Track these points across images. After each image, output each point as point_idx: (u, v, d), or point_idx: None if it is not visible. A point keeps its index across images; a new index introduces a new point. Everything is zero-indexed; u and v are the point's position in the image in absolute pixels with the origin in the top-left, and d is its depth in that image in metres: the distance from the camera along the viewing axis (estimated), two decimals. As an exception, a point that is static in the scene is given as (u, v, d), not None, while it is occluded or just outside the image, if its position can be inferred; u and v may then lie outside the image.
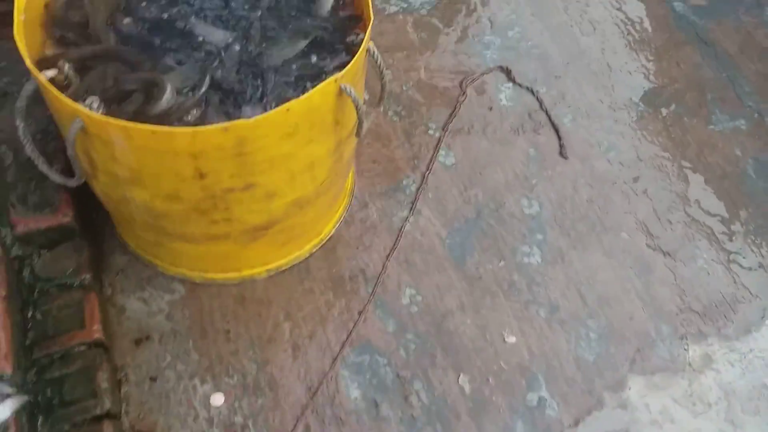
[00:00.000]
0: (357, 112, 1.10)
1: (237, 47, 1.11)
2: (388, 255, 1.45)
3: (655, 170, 1.67)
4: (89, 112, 0.95)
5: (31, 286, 1.25)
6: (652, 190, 1.63)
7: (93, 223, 1.40)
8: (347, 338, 1.33)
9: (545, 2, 2.03)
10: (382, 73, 1.14)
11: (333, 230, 1.48)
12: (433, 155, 1.64)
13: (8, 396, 1.07)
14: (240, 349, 1.31)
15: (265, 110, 1.01)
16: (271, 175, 1.10)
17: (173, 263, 1.37)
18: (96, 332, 1.22)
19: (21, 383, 1.12)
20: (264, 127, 0.99)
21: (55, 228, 1.26)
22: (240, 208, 1.15)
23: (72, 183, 1.13)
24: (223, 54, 1.10)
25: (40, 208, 1.26)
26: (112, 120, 0.93)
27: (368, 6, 1.11)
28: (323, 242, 1.45)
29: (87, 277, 1.28)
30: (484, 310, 1.40)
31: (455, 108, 1.74)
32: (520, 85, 1.81)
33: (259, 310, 1.36)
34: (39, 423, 1.13)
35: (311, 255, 1.44)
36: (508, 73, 1.84)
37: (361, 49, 1.06)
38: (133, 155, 1.00)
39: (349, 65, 1.03)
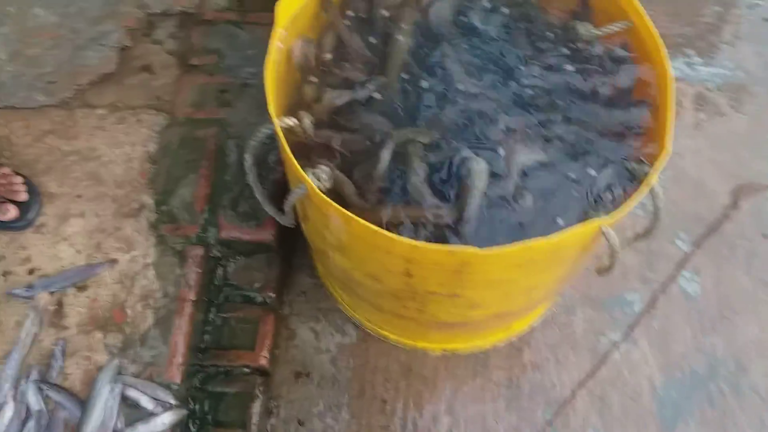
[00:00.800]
0: (611, 257, 0.89)
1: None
2: (582, 382, 1.24)
3: None
4: (314, 185, 0.86)
5: (220, 288, 1.26)
6: None
7: (291, 234, 1.37)
8: (504, 462, 1.18)
9: None
10: (656, 212, 0.90)
11: (527, 327, 1.29)
12: (673, 275, 1.35)
13: (171, 407, 1.09)
14: (392, 427, 1.21)
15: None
16: (482, 292, 0.95)
17: (353, 308, 1.29)
18: (262, 358, 1.20)
19: (185, 394, 1.14)
20: (494, 259, 0.83)
21: (256, 242, 1.25)
22: (437, 308, 1.02)
23: (283, 221, 1.07)
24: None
25: (247, 219, 1.25)
26: (334, 205, 0.83)
27: (667, 130, 0.87)
28: (511, 337, 1.28)
29: (271, 296, 1.25)
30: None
31: (718, 222, 1.42)
32: (816, 216, 1.42)
33: (422, 389, 1.25)
34: (189, 434, 1.15)
35: (493, 347, 1.28)
36: (806, 195, 1.45)
37: (638, 193, 0.84)
38: (346, 236, 0.91)
39: (621, 210, 0.82)
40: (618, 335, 1.29)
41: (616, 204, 0.89)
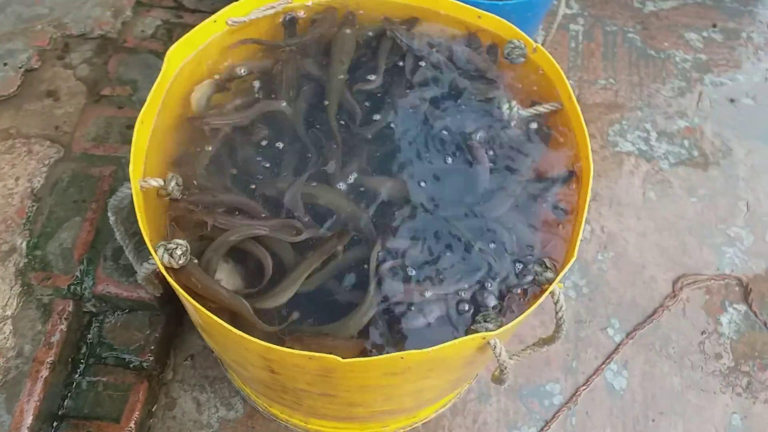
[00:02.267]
0: (501, 369, 0.77)
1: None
2: (485, 485, 1.12)
3: None
4: (162, 263, 0.74)
5: (93, 347, 1.12)
6: None
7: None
8: None
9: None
10: (559, 320, 0.79)
11: (433, 414, 1.17)
12: (599, 366, 1.25)
13: (0, 488, 0.95)
14: None
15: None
16: (358, 395, 0.83)
17: (241, 380, 1.16)
18: (128, 434, 1.06)
19: (25, 469, 0.99)
20: (361, 367, 0.71)
21: (136, 300, 1.11)
22: (313, 403, 0.90)
23: (153, 292, 0.95)
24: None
25: (128, 273, 1.11)
26: (180, 291, 0.71)
27: (577, 236, 0.76)
28: (415, 424, 1.16)
29: (149, 359, 1.12)
30: None
31: (654, 312, 1.32)
32: (757, 315, 1.33)
33: (308, 480, 1.11)
34: None
35: (395, 436, 1.15)
36: (747, 291, 1.35)
37: (534, 303, 0.73)
38: (203, 323, 0.78)
39: (511, 324, 0.71)
40: (533, 430, 1.17)
41: (510, 306, 0.77)
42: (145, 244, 1.12)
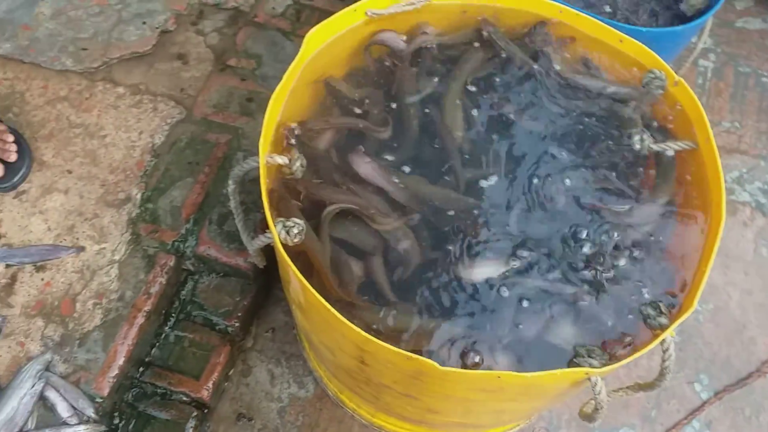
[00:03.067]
0: (596, 410, 0.75)
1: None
2: None
3: None
4: (281, 237, 0.75)
5: (185, 303, 1.17)
6: None
7: (274, 265, 1.27)
8: None
9: None
10: (664, 369, 0.75)
11: (499, 436, 1.15)
12: (680, 421, 1.19)
13: (88, 420, 1.00)
14: (319, 504, 1.09)
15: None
16: (441, 402, 0.82)
17: (317, 362, 1.18)
18: (205, 392, 1.10)
19: (110, 408, 1.05)
20: (456, 377, 0.70)
21: (233, 266, 1.15)
22: (392, 401, 0.90)
23: (258, 263, 0.98)
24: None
25: (230, 240, 1.15)
26: (293, 267, 0.73)
27: (699, 287, 0.73)
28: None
29: (234, 325, 1.15)
30: None
31: (749, 376, 1.24)
32: None
33: (365, 473, 1.12)
34: (102, 452, 1.06)
35: (458, 448, 1.14)
36: None
37: (644, 347, 0.70)
38: (305, 301, 0.80)
39: (617, 365, 0.68)
40: (600, 474, 1.13)
41: (613, 348, 0.75)
42: (251, 217, 1.16)
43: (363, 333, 0.69)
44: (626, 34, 0.99)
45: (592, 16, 1.01)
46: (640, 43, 0.98)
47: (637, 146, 0.90)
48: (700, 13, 1.25)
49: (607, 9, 1.28)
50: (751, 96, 1.69)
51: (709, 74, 1.72)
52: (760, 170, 1.55)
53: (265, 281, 1.23)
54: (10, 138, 1.15)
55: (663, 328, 0.72)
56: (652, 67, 0.96)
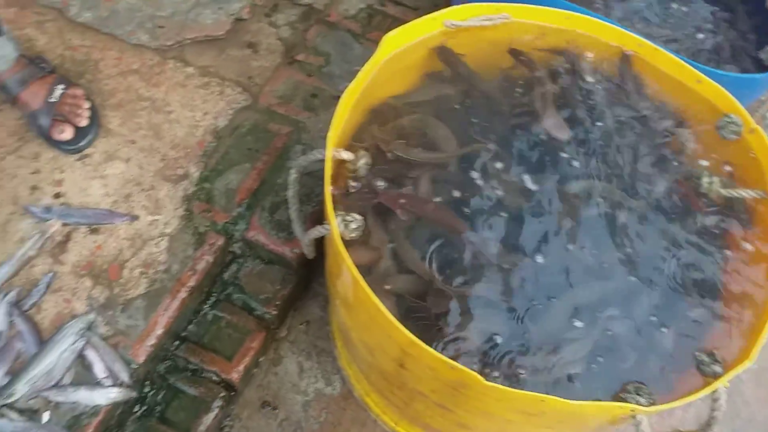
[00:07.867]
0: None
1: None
2: None
3: None
4: (339, 230, 0.76)
5: (226, 285, 1.19)
6: None
7: (318, 258, 1.28)
8: None
9: None
10: (712, 420, 0.74)
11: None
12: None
13: (120, 384, 1.02)
14: (332, 503, 1.09)
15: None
16: (476, 418, 0.82)
17: (347, 361, 1.18)
18: (235, 374, 1.11)
19: (143, 375, 1.07)
20: (498, 394, 0.70)
21: (278, 254, 1.16)
22: (423, 410, 0.89)
23: (308, 253, 0.99)
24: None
25: (279, 228, 1.17)
26: (348, 261, 0.73)
27: (759, 341, 0.71)
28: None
29: (272, 313, 1.17)
30: None
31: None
32: None
33: (381, 479, 1.11)
34: (130, 419, 1.07)
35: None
36: None
37: (697, 393, 0.68)
38: (352, 296, 0.80)
39: (664, 407, 0.67)
40: None
41: (661, 388, 0.73)
42: (302, 209, 1.17)
43: (410, 335, 0.70)
44: (705, 74, 0.98)
45: (672, 53, 1.01)
46: (719, 86, 0.97)
47: (705, 185, 0.88)
48: (780, 63, 1.23)
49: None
50: (816, 155, 1.64)
51: (775, 127, 1.68)
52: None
53: (306, 274, 1.24)
54: (87, 105, 1.19)
55: (716, 376, 0.71)
56: (729, 112, 0.94)
